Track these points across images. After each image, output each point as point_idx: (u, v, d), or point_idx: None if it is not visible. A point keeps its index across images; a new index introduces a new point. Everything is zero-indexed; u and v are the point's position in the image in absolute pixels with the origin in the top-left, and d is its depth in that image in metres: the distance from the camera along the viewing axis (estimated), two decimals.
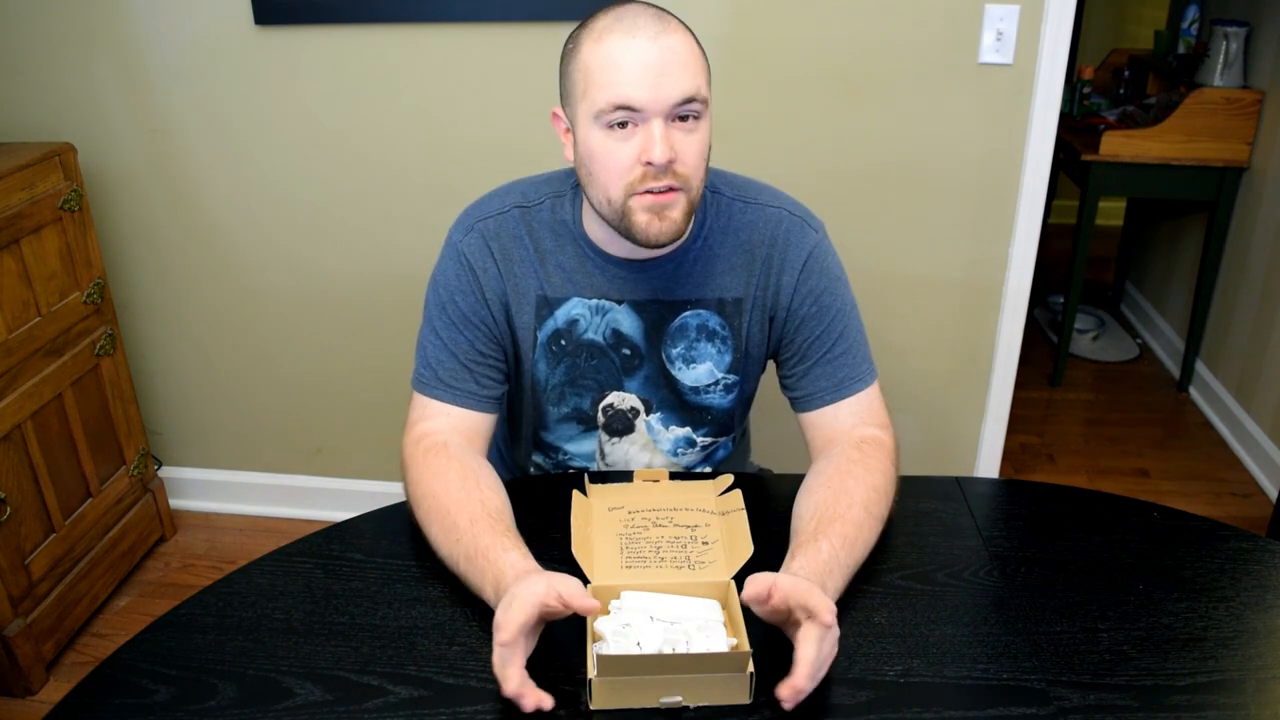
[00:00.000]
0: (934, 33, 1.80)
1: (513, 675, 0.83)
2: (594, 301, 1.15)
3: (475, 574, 0.96)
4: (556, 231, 1.14)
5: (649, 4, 1.03)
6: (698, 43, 1.03)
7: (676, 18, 1.03)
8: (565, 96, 1.06)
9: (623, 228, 1.05)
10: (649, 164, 1.00)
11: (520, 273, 1.15)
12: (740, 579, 0.95)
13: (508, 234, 1.14)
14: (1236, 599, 0.99)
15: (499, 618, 0.85)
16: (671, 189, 1.02)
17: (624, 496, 1.12)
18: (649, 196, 1.02)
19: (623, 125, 1.00)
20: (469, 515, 1.00)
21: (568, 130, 1.08)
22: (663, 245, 1.06)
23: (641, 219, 1.03)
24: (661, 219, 1.03)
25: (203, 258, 2.15)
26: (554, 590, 0.85)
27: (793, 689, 0.82)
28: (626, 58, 0.98)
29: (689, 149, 1.02)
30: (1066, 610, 0.97)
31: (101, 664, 0.92)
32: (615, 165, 1.01)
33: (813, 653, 0.83)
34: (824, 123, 1.89)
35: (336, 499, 2.34)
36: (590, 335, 1.16)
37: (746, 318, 1.17)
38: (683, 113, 1.00)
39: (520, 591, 0.86)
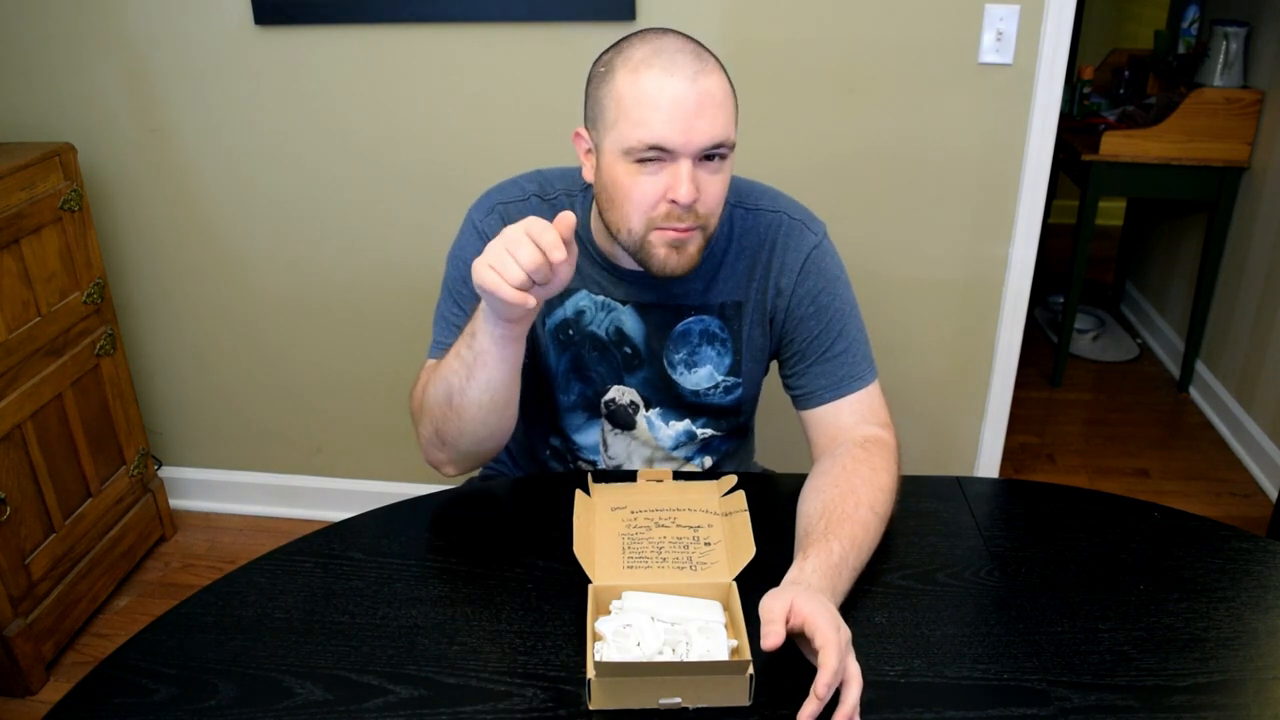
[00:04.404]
0: (934, 33, 1.79)
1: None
2: (600, 298, 1.17)
3: (464, 341, 1.02)
4: None
5: (686, 38, 1.02)
6: (729, 81, 1.03)
7: (712, 55, 1.03)
8: (591, 120, 1.06)
9: (639, 257, 1.07)
10: (673, 202, 1.01)
11: None
12: (742, 580, 0.96)
13: None
14: (1237, 599, 0.99)
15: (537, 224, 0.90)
16: (691, 228, 1.03)
17: (627, 496, 1.12)
18: (670, 232, 1.03)
19: (651, 160, 1.00)
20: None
21: (589, 152, 1.08)
22: (677, 277, 1.07)
23: (660, 252, 1.05)
24: (680, 253, 1.05)
25: (203, 258, 2.15)
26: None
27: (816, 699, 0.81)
28: (663, 96, 0.98)
29: (712, 190, 1.03)
30: (1067, 610, 0.97)
31: (101, 664, 0.92)
32: (640, 198, 1.02)
33: (833, 663, 0.81)
34: (823, 122, 1.89)
35: (336, 499, 2.34)
36: (594, 329, 1.18)
37: (747, 321, 1.18)
38: (710, 154, 1.01)
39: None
